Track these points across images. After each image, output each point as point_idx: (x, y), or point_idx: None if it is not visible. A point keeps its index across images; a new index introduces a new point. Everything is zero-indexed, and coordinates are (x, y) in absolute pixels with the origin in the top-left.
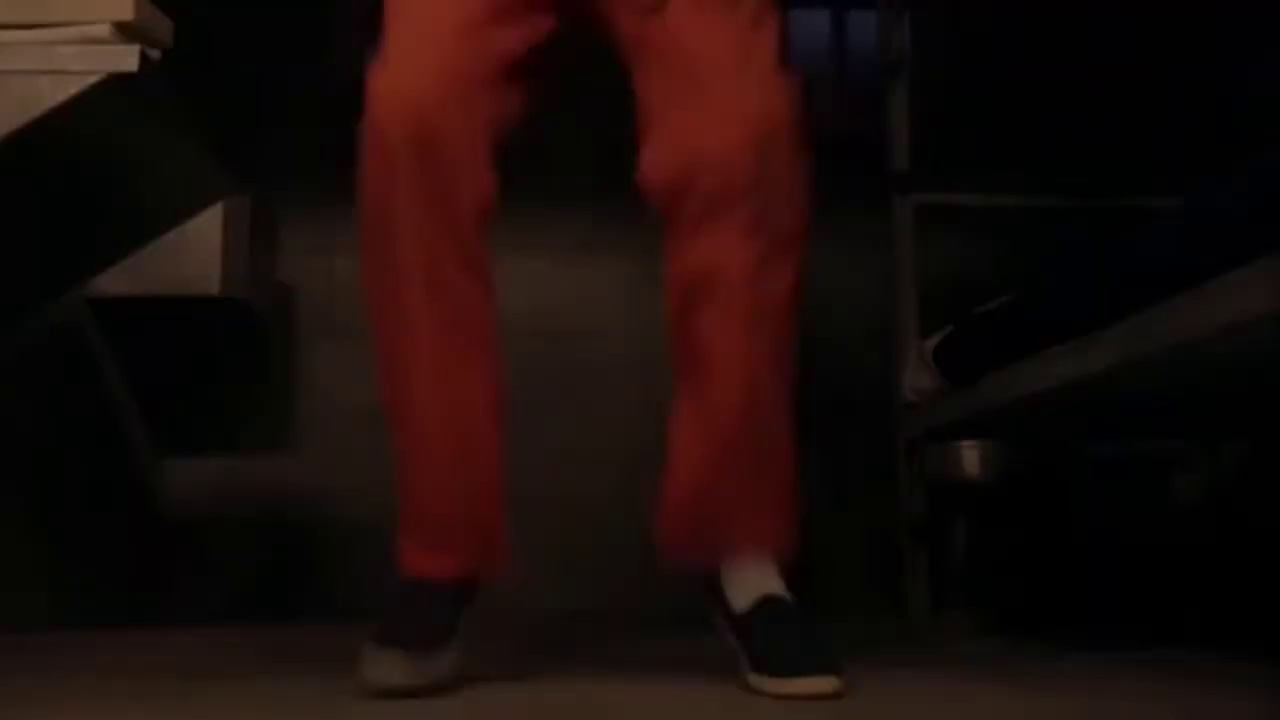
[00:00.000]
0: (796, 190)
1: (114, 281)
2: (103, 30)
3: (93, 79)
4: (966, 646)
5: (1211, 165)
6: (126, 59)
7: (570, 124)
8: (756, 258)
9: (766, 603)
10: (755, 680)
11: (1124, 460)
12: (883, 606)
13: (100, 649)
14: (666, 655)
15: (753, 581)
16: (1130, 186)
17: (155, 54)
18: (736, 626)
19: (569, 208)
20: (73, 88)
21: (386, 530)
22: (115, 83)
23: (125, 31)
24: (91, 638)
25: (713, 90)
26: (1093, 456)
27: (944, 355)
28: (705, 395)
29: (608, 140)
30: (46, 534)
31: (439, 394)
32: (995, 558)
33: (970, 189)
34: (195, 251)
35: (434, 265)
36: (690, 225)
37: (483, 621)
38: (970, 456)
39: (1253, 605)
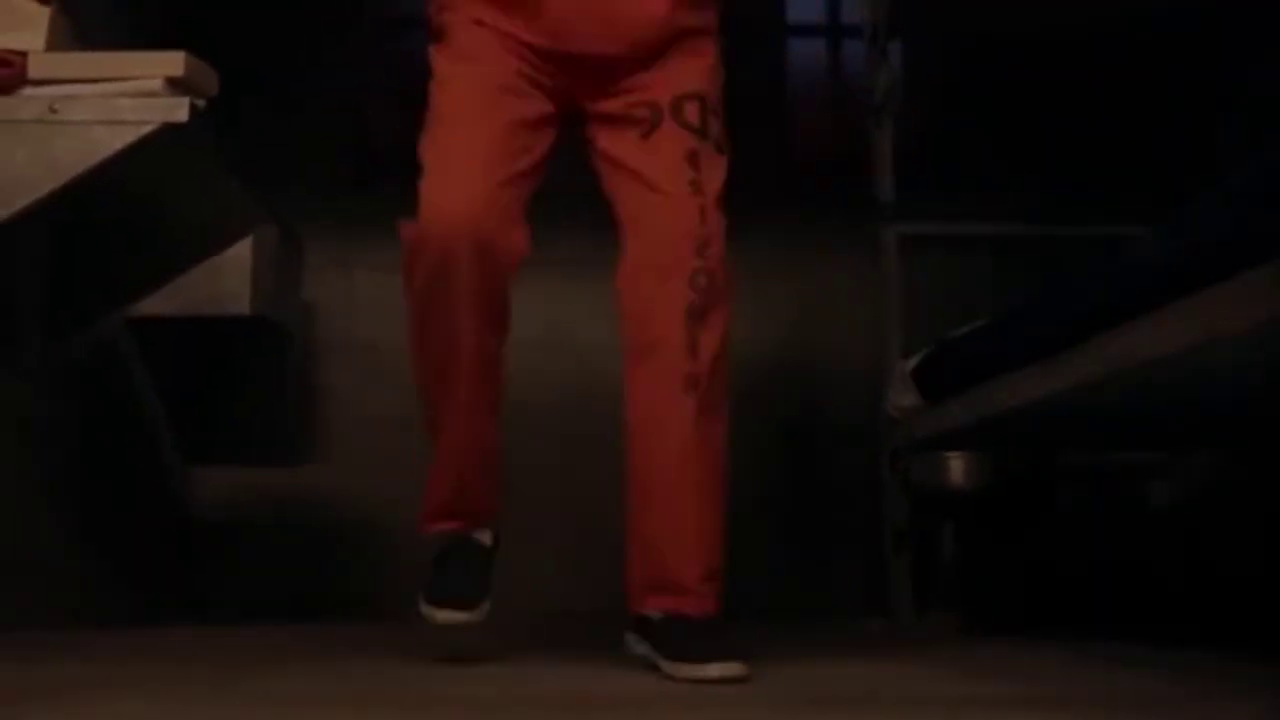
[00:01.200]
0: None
1: (153, 303)
2: (156, 84)
3: (147, 129)
4: (952, 645)
5: (1167, 201)
6: (177, 110)
7: (577, 139)
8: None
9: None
10: (668, 667)
11: (1105, 468)
12: (871, 607)
13: (132, 645)
14: None
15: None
16: (1101, 216)
17: (202, 103)
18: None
19: (576, 222)
20: (129, 136)
21: (399, 532)
22: (167, 131)
23: (176, 85)
24: (124, 634)
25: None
26: (1075, 464)
27: (922, 375)
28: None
29: None
30: (84, 536)
31: (468, 430)
32: (980, 561)
33: (951, 218)
34: (228, 275)
35: (480, 344)
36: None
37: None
38: (956, 466)
39: (1225, 602)
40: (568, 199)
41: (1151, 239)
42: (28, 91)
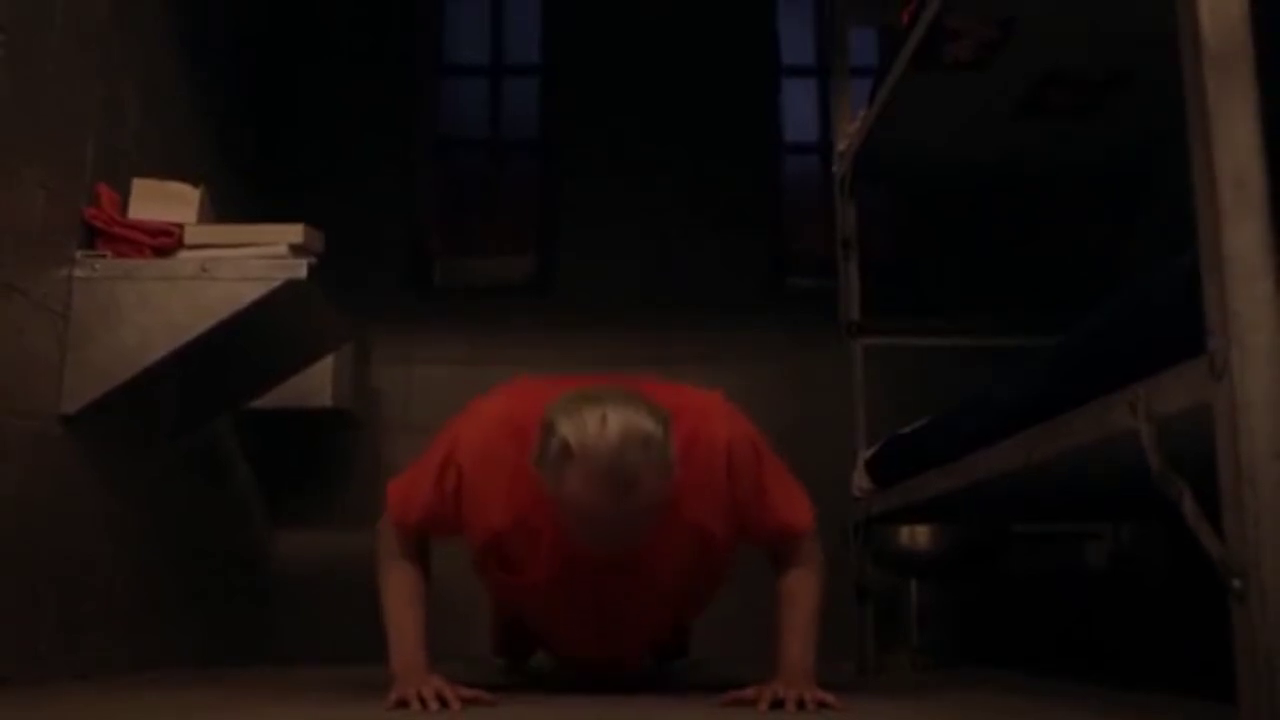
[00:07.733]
0: None
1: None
2: (281, 249)
3: (276, 283)
4: (909, 683)
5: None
6: (298, 269)
7: None
8: None
9: None
10: None
11: (1050, 534)
12: (843, 651)
13: (228, 682)
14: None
15: None
16: (1035, 329)
17: (314, 260)
18: None
19: None
20: (262, 289)
21: (448, 585)
22: (289, 285)
23: (296, 250)
24: (220, 673)
25: None
26: (1025, 531)
27: (874, 464)
28: None
29: None
30: (196, 588)
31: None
32: (937, 612)
33: (908, 333)
34: (314, 375)
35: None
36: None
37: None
38: (922, 533)
39: (1148, 645)
40: None
41: (1059, 352)
42: (183, 255)
